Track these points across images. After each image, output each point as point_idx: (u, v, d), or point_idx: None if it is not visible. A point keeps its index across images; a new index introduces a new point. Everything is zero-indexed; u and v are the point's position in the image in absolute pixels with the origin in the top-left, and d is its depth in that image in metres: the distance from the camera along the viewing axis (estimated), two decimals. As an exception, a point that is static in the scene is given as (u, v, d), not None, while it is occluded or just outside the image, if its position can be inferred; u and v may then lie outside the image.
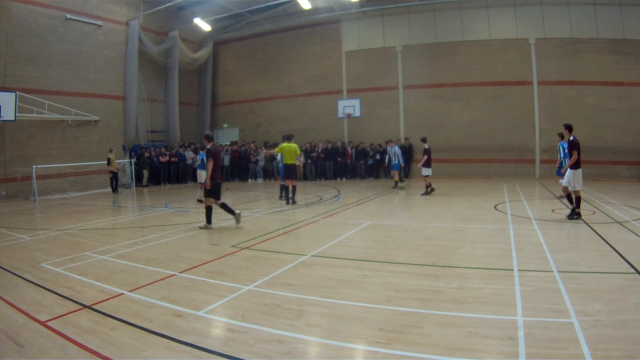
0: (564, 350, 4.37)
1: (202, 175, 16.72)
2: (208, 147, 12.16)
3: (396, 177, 21.70)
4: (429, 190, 18.97)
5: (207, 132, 13.25)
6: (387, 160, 22.18)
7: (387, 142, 22.70)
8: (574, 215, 12.03)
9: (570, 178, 12.20)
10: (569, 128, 12.73)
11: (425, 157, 18.69)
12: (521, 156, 25.47)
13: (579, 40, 24.36)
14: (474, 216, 13.06)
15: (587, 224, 11.26)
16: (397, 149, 21.45)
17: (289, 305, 5.99)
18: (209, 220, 12.24)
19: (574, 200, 12.18)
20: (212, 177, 11.97)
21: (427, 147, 18.96)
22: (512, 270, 7.24)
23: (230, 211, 12.33)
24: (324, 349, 4.76)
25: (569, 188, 12.30)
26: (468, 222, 12.14)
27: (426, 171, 18.91)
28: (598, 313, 5.30)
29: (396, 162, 21.25)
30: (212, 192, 12.17)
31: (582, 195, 16.54)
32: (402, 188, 20.75)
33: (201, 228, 12.18)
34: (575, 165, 12.18)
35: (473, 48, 26.60)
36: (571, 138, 12.39)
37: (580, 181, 12.17)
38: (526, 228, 10.98)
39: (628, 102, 23.67)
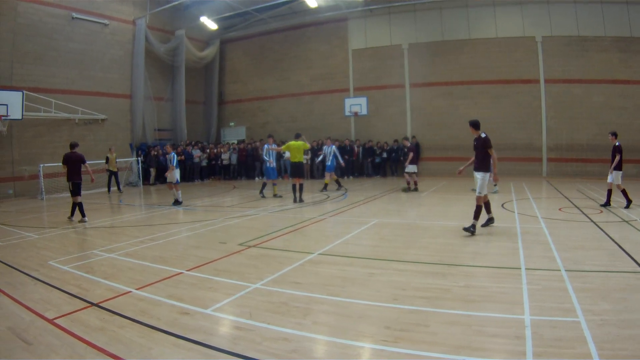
0: (571, 350, 4.37)
1: (173, 176, 17.27)
2: (66, 153, 14.28)
3: (327, 180, 20.71)
4: (412, 188, 19.32)
5: (72, 141, 14.96)
6: (324, 159, 21.11)
7: (325, 140, 22.28)
8: (471, 228, 10.49)
9: (480, 182, 10.83)
10: (474, 125, 11.33)
11: (411, 154, 18.86)
12: (528, 154, 25.38)
13: (586, 38, 24.25)
14: (481, 214, 13.01)
15: (594, 222, 11.20)
16: (333, 147, 20.63)
17: (296, 303, 6.01)
18: (72, 213, 14.33)
19: (476, 209, 10.86)
20: (70, 178, 14.10)
21: (410, 145, 19.28)
22: (520, 268, 7.23)
23: (72, 211, 14.33)
24: (330, 347, 4.77)
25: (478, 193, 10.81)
26: (475, 221, 12.11)
27: (412, 168, 19.15)
28: (605, 312, 5.29)
29: (329, 162, 20.30)
30: (74, 191, 14.13)
31: (590, 193, 16.46)
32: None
33: (80, 221, 13.88)
34: (486, 168, 10.98)
35: (479, 46, 26.51)
36: (482, 135, 11.10)
37: (486, 186, 10.84)
38: (533, 227, 10.96)
39: (635, 100, 23.56)
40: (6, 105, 19.97)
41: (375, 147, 28.15)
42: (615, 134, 14.17)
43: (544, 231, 10.30)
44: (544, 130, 25.19)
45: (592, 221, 11.40)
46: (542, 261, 7.65)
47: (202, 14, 30.12)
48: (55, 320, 5.59)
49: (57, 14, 23.71)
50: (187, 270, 7.77)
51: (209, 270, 7.80)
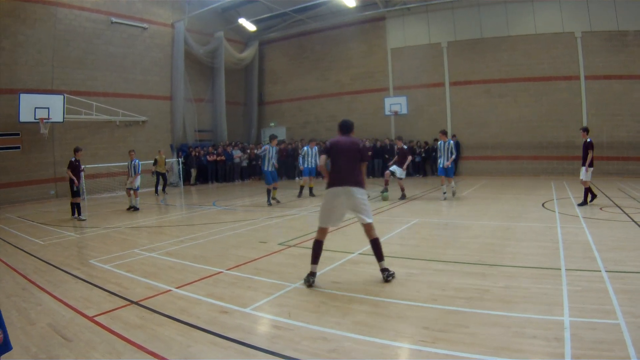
0: (611, 352, 4.33)
1: (134, 183, 17.26)
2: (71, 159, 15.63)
3: (302, 183, 19.65)
4: (388, 190, 17.51)
5: (76, 146, 16.09)
6: (300, 162, 19.95)
7: (309, 142, 20.36)
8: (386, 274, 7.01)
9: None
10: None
11: (409, 158, 17.36)
12: (569, 153, 24.91)
13: (627, 32, 23.62)
14: (521, 214, 12.87)
15: (635, 222, 10.99)
16: (316, 150, 19.32)
17: (335, 303, 6.04)
18: (73, 212, 15.47)
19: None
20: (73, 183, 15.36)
21: (405, 147, 17.61)
22: (560, 269, 7.15)
23: (79, 211, 15.48)
24: (369, 347, 4.78)
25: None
26: (515, 220, 11.98)
27: (400, 173, 17.12)
28: (646, 314, 5.20)
29: (307, 165, 19.15)
30: (75, 193, 15.49)
31: (631, 192, 16.07)
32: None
33: (80, 219, 15.09)
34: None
35: (519, 43, 26.13)
36: None
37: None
38: (574, 226, 10.77)
39: (677, 96, 23.00)
40: (48, 108, 20.58)
41: (415, 147, 27.95)
42: (586, 130, 13.95)
43: (584, 231, 10.14)
44: (585, 128, 24.70)
45: (633, 221, 11.17)
46: (582, 262, 7.55)
47: (241, 16, 30.49)
48: (95, 318, 5.75)
49: (96, 19, 24.32)
50: (227, 270, 7.89)
51: (249, 269, 7.90)
